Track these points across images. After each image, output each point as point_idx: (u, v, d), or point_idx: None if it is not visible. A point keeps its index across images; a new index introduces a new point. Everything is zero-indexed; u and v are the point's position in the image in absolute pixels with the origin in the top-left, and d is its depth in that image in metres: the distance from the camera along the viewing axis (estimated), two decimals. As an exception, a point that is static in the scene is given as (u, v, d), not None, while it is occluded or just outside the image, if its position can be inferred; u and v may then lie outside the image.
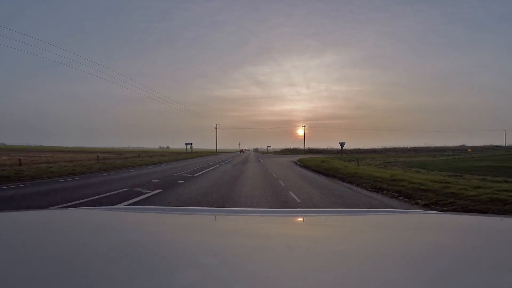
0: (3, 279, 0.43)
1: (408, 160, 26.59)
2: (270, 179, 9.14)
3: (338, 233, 0.84)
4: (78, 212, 1.07)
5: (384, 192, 6.55)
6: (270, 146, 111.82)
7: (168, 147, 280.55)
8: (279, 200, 5.48)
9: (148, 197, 5.78)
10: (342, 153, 35.67)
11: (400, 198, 5.82)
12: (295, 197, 5.78)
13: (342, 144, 29.63)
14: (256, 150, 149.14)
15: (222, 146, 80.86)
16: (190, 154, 38.56)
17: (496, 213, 3.90)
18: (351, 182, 8.47)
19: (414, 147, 69.00)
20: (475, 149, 64.67)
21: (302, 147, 75.03)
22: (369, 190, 6.95)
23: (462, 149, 64.76)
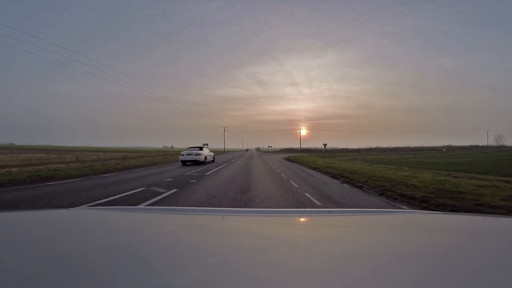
0: (4, 279, 0.43)
1: (372, 158, 35.63)
2: (266, 163, 18.58)
3: (338, 233, 0.83)
4: (78, 212, 1.06)
5: (318, 170, 12.45)
6: (271, 146, 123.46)
7: (172, 147, 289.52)
8: (267, 168, 14.41)
9: (223, 167, 14.52)
10: (325, 152, 44.95)
11: (324, 173, 11.44)
12: (273, 167, 14.93)
13: (325, 145, 38.89)
14: (258, 149, 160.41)
15: (227, 146, 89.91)
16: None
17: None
18: (305, 166, 16.81)
19: (395, 147, 78.38)
20: (452, 149, 73.35)
21: (304, 147, 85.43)
22: (310, 169, 14.16)
23: (438, 149, 73.41)
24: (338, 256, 0.60)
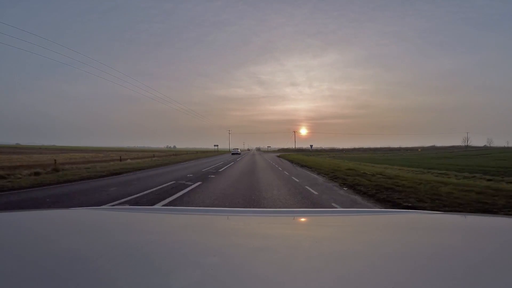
0: (3, 279, 0.43)
1: (348, 155, 46.26)
2: (263, 157, 30.00)
3: (338, 233, 0.83)
4: (78, 212, 1.07)
5: (291, 161, 24.18)
6: (270, 146, 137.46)
7: (174, 147, 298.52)
8: (264, 160, 25.17)
9: (242, 157, 25.20)
10: (311, 151, 56.03)
11: (294, 164, 23.50)
12: (267, 159, 25.93)
13: (311, 146, 49.89)
14: (258, 149, 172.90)
15: (225, 145, 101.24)
16: (218, 152, 60.32)
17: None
18: (286, 159, 27.48)
19: (376, 147, 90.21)
20: (433, 149, 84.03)
21: (298, 146, 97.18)
22: (287, 160, 25.42)
23: (415, 149, 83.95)
24: (338, 256, 0.59)
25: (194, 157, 30.42)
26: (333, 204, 5.16)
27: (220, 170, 12.38)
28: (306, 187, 7.23)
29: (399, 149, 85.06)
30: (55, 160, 12.48)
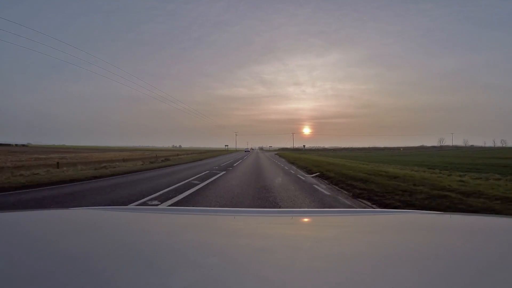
0: (3, 279, 0.43)
1: (332, 154, 57.33)
2: (264, 154, 42.48)
3: (339, 233, 0.83)
4: (78, 212, 1.07)
5: (283, 157, 36.08)
6: (271, 146, 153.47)
7: (180, 146, 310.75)
8: (265, 156, 36.91)
9: (251, 154, 37.23)
10: (303, 150, 68.69)
11: (281, 157, 35.72)
12: (268, 155, 38.31)
13: (304, 146, 62.28)
14: (261, 148, 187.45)
15: (232, 145, 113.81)
16: (228, 151, 73.62)
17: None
18: (281, 156, 38.74)
19: (363, 147, 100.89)
20: (410, 149, 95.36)
21: (296, 146, 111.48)
22: (281, 157, 36.30)
23: (397, 148, 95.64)
24: (339, 256, 0.59)
25: (216, 154, 42.88)
26: (278, 163, 16.36)
27: (244, 158, 24.05)
28: (278, 163, 19.20)
29: (384, 149, 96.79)
30: (156, 154, 23.53)
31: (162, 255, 0.58)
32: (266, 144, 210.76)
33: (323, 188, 7.44)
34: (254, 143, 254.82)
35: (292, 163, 19.74)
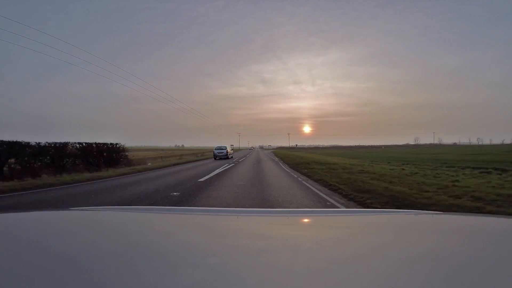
0: (3, 279, 0.43)
1: (320, 151, 69.59)
2: (263, 152, 56.51)
3: (339, 234, 0.83)
4: (78, 212, 1.07)
5: (276, 154, 48.00)
6: (270, 145, 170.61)
7: (183, 146, 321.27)
8: (264, 153, 49.77)
9: (254, 152, 50.43)
10: (296, 148, 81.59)
11: (275, 154, 48.30)
12: (265, 152, 52.11)
13: (296, 145, 75.33)
14: (261, 147, 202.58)
15: (236, 144, 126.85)
16: (233, 150, 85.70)
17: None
18: (275, 155, 50.72)
19: (351, 145, 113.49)
20: (390, 147, 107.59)
21: (293, 144, 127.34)
22: (274, 155, 48.01)
23: (379, 147, 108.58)
24: (340, 257, 0.59)
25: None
26: (269, 156, 29.81)
27: (247, 155, 36.63)
28: (270, 156, 32.35)
29: (368, 147, 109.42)
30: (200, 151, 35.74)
31: (162, 255, 0.58)
32: (265, 143, 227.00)
33: (280, 163, 20.07)
34: (254, 142, 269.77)
35: (277, 156, 32.65)
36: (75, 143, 13.02)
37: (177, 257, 0.58)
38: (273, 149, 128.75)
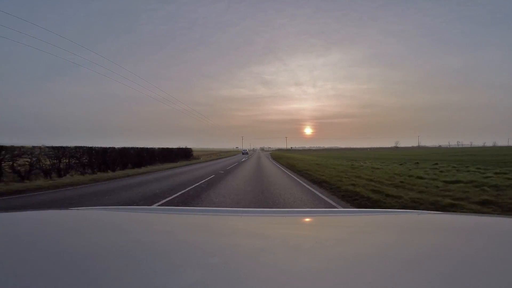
0: (4, 279, 0.43)
1: (311, 153, 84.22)
2: (263, 154, 71.80)
3: (339, 234, 0.83)
4: (78, 212, 1.07)
5: (271, 155, 62.37)
6: (270, 147, 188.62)
7: (186, 147, 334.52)
8: (263, 154, 65.22)
9: (254, 154, 66.99)
10: (290, 151, 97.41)
11: (271, 155, 62.73)
12: (265, 154, 67.50)
13: (291, 147, 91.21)
14: (262, 149, 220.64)
15: (240, 147, 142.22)
16: (238, 151, 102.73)
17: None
18: (271, 155, 64.05)
19: (349, 148, 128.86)
20: (376, 149, 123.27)
21: (292, 147, 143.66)
22: (270, 156, 53.15)
23: (365, 149, 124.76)
24: (340, 257, 0.59)
25: (234, 153, 71.99)
26: (266, 156, 45.60)
27: (253, 154, 53.28)
28: (267, 156, 47.18)
29: (354, 149, 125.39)
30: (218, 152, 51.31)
31: (162, 255, 0.58)
32: (266, 145, 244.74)
33: (270, 158, 36.05)
34: (255, 144, 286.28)
35: (271, 156, 47.65)
36: (158, 148, 26.15)
37: (177, 257, 0.58)
38: (272, 151, 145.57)
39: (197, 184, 8.98)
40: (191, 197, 6.60)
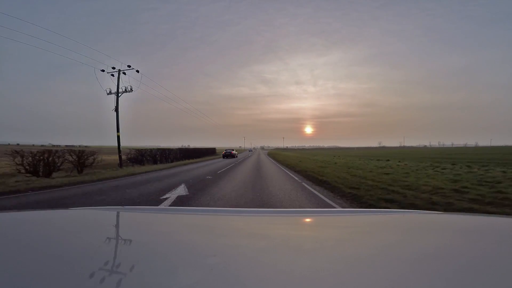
0: (4, 279, 0.43)
1: (305, 151, 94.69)
2: (264, 153, 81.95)
3: (340, 234, 0.83)
4: (78, 212, 1.07)
5: (269, 154, 70.06)
6: (269, 146, 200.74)
7: (189, 146, 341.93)
8: (262, 153, 75.40)
9: (256, 152, 78.24)
10: (287, 149, 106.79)
11: (268, 153, 73.20)
12: (263, 152, 79.06)
13: (286, 146, 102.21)
14: (262, 148, 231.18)
15: (237, 145, 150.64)
16: (243, 150, 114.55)
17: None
18: (268, 153, 73.85)
19: (331, 146, 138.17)
20: (361, 149, 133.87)
21: (287, 146, 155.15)
22: (267, 154, 65.50)
23: (351, 148, 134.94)
24: (340, 257, 0.59)
25: (241, 151, 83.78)
26: (264, 153, 56.90)
27: (253, 152, 64.81)
28: (265, 153, 58.08)
29: (345, 148, 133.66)
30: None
31: (162, 255, 0.58)
32: (266, 144, 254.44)
33: (265, 154, 46.59)
34: (256, 143, 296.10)
35: (268, 153, 58.41)
36: (184, 146, 37.55)
37: (177, 257, 0.58)
38: (270, 149, 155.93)
39: (236, 162, 21.56)
40: (238, 163, 18.18)
